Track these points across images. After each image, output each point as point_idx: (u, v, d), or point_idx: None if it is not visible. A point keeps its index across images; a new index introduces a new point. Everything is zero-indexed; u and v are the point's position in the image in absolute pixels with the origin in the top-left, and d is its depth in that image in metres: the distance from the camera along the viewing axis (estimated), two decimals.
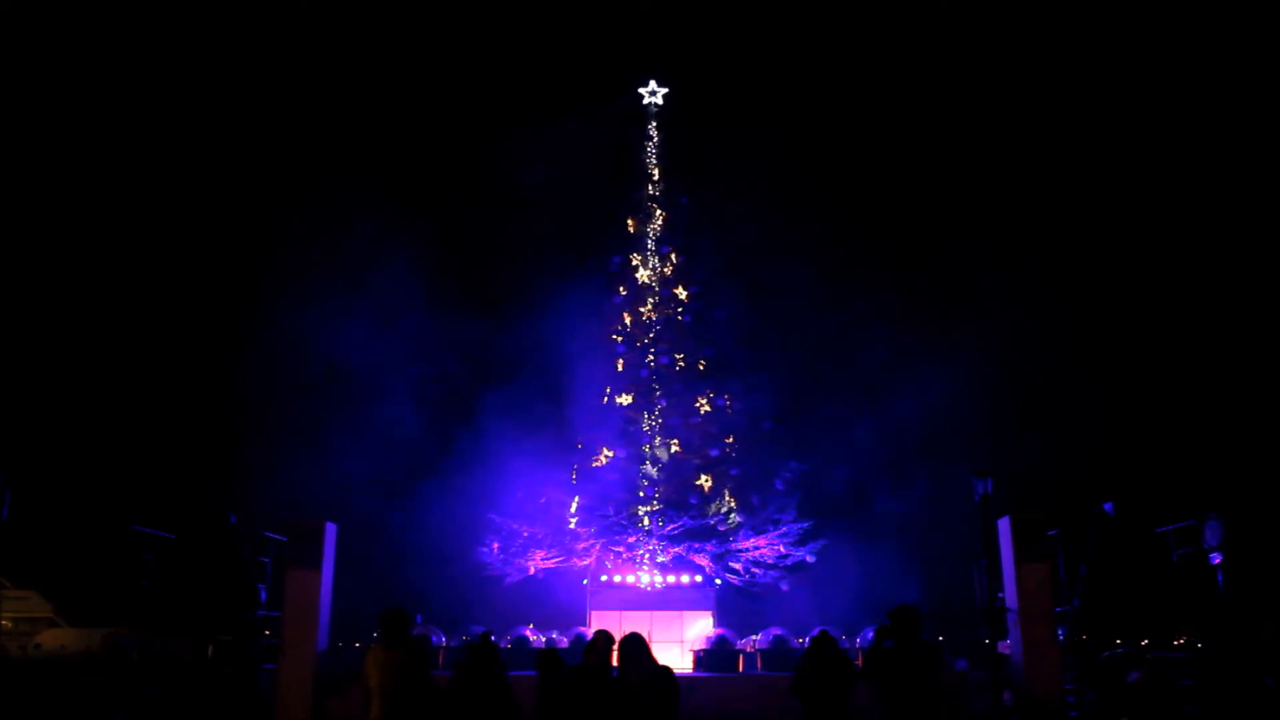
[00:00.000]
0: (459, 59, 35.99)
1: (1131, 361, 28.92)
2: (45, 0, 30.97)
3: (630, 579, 25.41)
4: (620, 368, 27.34)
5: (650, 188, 29.41)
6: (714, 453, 26.33)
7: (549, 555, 25.69)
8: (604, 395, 26.98)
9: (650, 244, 28.77)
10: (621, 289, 28.22)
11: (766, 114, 32.48)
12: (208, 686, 15.19)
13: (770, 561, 25.23)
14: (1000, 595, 16.16)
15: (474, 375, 28.47)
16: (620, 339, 27.73)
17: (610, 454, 26.39)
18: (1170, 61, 31.25)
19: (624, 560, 25.61)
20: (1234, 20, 30.24)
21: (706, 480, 26.00)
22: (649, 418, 26.73)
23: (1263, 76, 29.60)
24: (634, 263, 28.56)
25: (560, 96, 32.76)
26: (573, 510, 25.86)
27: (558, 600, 25.50)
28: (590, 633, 21.61)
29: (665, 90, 30.05)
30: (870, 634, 20.31)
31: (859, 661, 19.74)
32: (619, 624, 22.97)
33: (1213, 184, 30.07)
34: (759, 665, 20.00)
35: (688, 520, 25.45)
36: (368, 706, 8.22)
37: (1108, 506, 16.35)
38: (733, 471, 26.29)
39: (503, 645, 20.21)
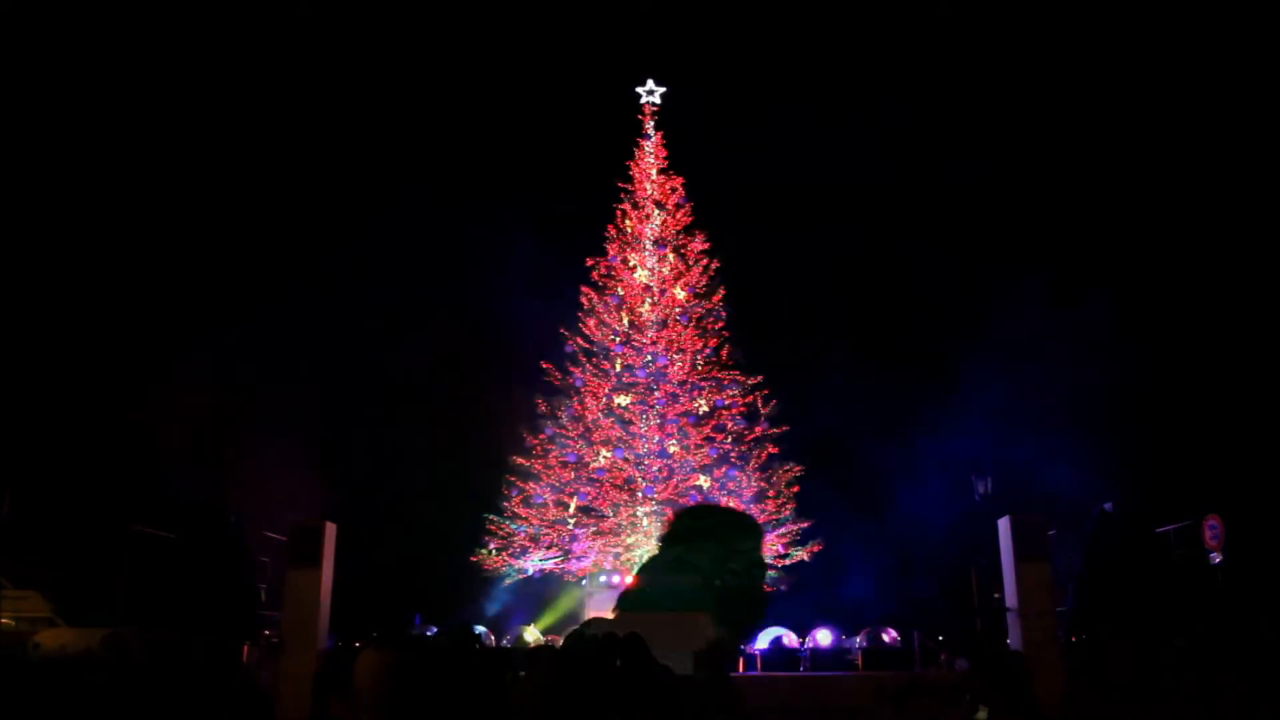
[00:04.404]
0: (456, 58, 36.01)
1: (1131, 361, 28.89)
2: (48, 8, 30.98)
3: (629, 579, 25.37)
4: (619, 368, 27.31)
5: (648, 187, 29.35)
6: (714, 453, 26.31)
7: (548, 555, 25.68)
8: (602, 395, 26.96)
9: (649, 244, 28.72)
10: (620, 288, 28.18)
11: (765, 113, 32.52)
12: (208, 686, 15.17)
13: (770, 561, 25.21)
14: (999, 595, 16.16)
15: (474, 374, 28.45)
16: (619, 339, 27.70)
17: (610, 454, 26.36)
18: (1170, 63, 31.30)
19: (622, 561, 25.60)
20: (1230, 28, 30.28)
21: (706, 480, 25.97)
22: (648, 418, 26.71)
23: (1263, 77, 29.63)
24: (632, 262, 28.53)
25: (558, 95, 32.82)
26: (572, 510, 25.85)
27: (557, 600, 25.49)
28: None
29: (663, 89, 30.00)
30: (871, 632, 20.42)
31: (859, 660, 19.81)
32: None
33: (1212, 183, 30.08)
34: (759, 665, 20.00)
35: None
36: (358, 712, 7.61)
37: (1108, 506, 16.38)
38: (732, 472, 26.28)
39: (502, 645, 20.22)
